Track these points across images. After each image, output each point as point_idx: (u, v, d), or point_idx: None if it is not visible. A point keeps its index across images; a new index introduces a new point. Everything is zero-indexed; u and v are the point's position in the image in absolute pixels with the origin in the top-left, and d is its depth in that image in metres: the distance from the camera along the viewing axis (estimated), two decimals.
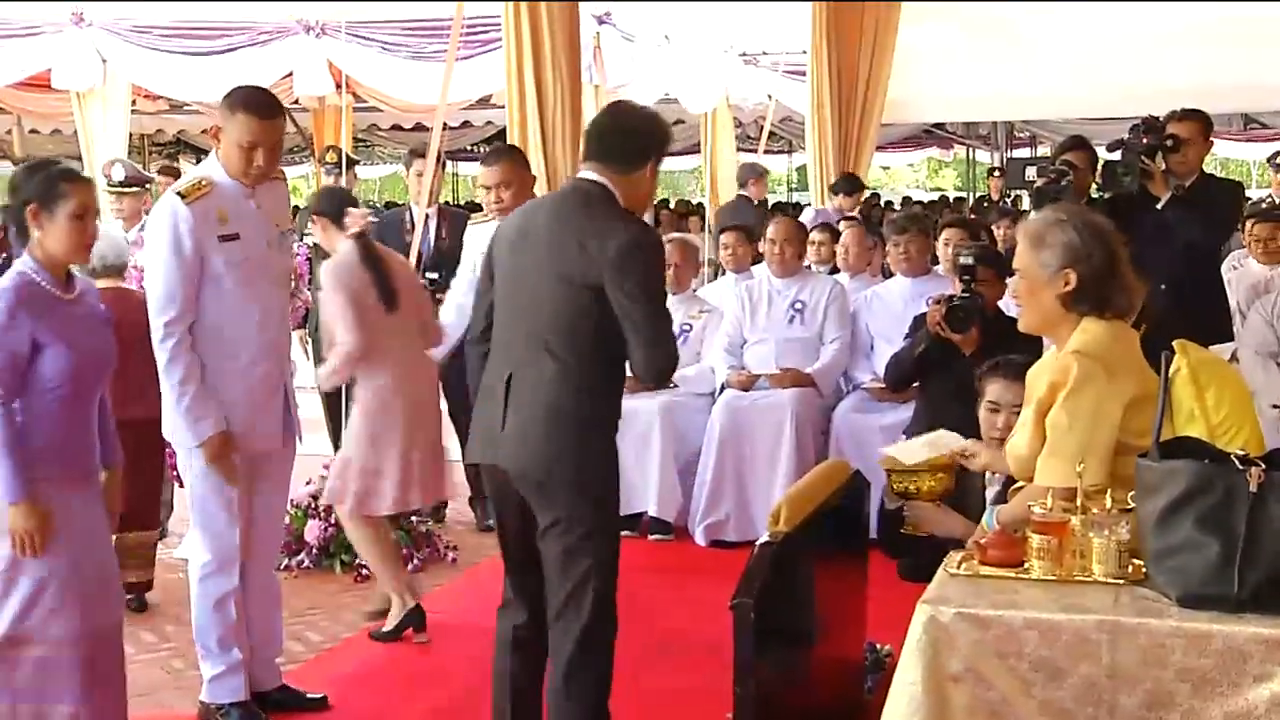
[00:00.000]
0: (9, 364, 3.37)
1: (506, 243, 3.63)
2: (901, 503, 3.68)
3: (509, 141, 6.45)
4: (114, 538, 5.64)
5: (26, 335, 3.38)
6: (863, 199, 9.74)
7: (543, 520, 3.45)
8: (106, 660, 3.58)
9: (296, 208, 6.77)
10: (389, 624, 5.01)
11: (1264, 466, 2.60)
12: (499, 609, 3.72)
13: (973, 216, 12.47)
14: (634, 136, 3.54)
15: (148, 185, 6.82)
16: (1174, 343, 3.21)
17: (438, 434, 5.09)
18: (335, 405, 7.06)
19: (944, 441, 3.60)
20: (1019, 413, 3.65)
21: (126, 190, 6.55)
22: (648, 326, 3.37)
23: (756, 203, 10.85)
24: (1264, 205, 9.84)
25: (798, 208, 15.74)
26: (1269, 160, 12.81)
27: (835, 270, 7.54)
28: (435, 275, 6.43)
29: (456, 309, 5.45)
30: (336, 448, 6.77)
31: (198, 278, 3.96)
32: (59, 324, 3.43)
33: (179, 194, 3.98)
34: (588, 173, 3.52)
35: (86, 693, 3.49)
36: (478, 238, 5.50)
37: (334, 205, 5.04)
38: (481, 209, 6.41)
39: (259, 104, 4.03)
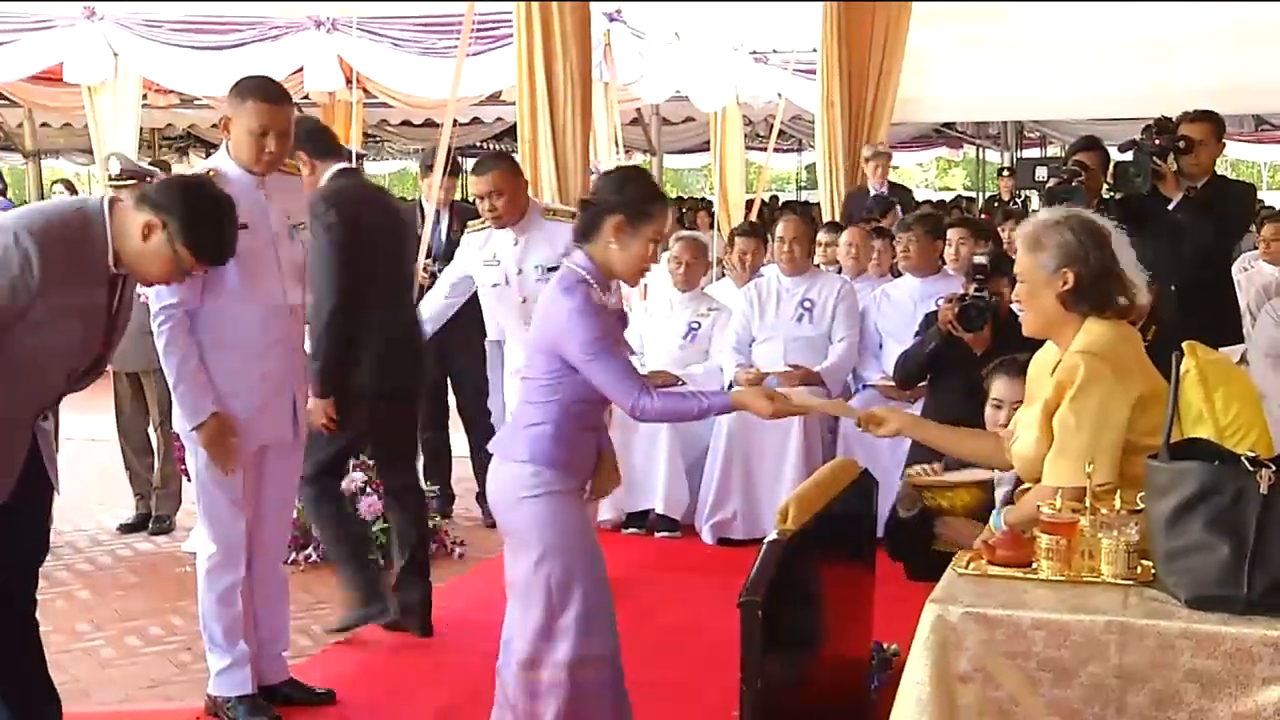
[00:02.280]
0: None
1: None
2: (916, 511, 3.65)
3: (518, 138, 6.45)
4: None
5: None
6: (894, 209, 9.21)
7: None
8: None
9: None
10: None
11: (1274, 468, 2.59)
12: None
13: (984, 216, 12.44)
14: None
15: (147, 178, 6.83)
16: (1183, 344, 3.21)
17: None
18: None
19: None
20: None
21: (124, 184, 6.56)
22: None
23: (874, 192, 9.36)
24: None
25: (807, 206, 15.75)
26: None
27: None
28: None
29: (438, 311, 5.60)
30: None
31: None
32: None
33: None
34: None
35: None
36: (473, 244, 5.47)
37: None
38: None
39: (267, 90, 4.06)
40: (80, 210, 3.37)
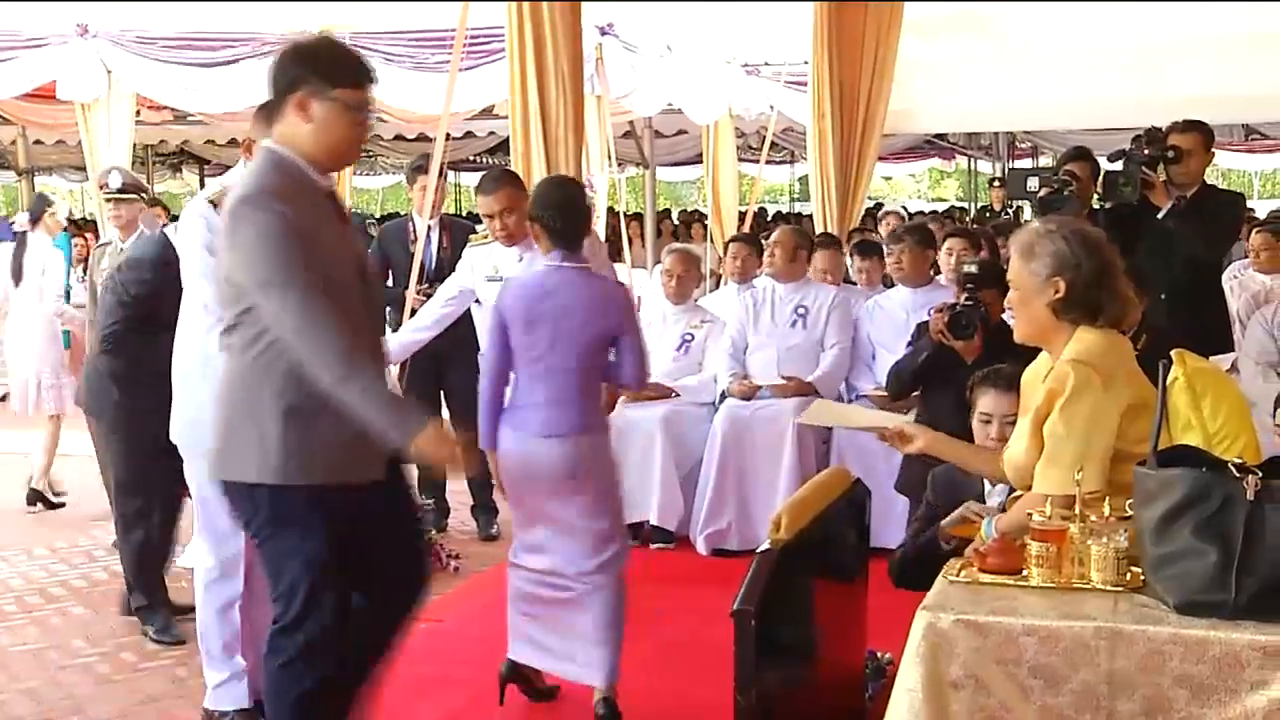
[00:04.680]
0: None
1: None
2: (956, 543, 3.60)
3: (511, 152, 6.46)
4: None
5: None
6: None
7: None
8: None
9: None
10: None
11: (1261, 474, 2.62)
12: None
13: (975, 226, 12.50)
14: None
15: (143, 194, 6.85)
16: (1172, 352, 3.23)
17: None
18: None
19: (875, 416, 3.68)
20: (1011, 423, 3.66)
21: (123, 198, 6.57)
22: None
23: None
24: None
25: (799, 218, 15.79)
26: None
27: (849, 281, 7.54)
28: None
29: (435, 320, 5.55)
30: None
31: None
32: None
33: (210, 201, 4.02)
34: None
35: None
36: (475, 260, 5.49)
37: None
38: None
39: None
40: (258, 161, 3.31)
